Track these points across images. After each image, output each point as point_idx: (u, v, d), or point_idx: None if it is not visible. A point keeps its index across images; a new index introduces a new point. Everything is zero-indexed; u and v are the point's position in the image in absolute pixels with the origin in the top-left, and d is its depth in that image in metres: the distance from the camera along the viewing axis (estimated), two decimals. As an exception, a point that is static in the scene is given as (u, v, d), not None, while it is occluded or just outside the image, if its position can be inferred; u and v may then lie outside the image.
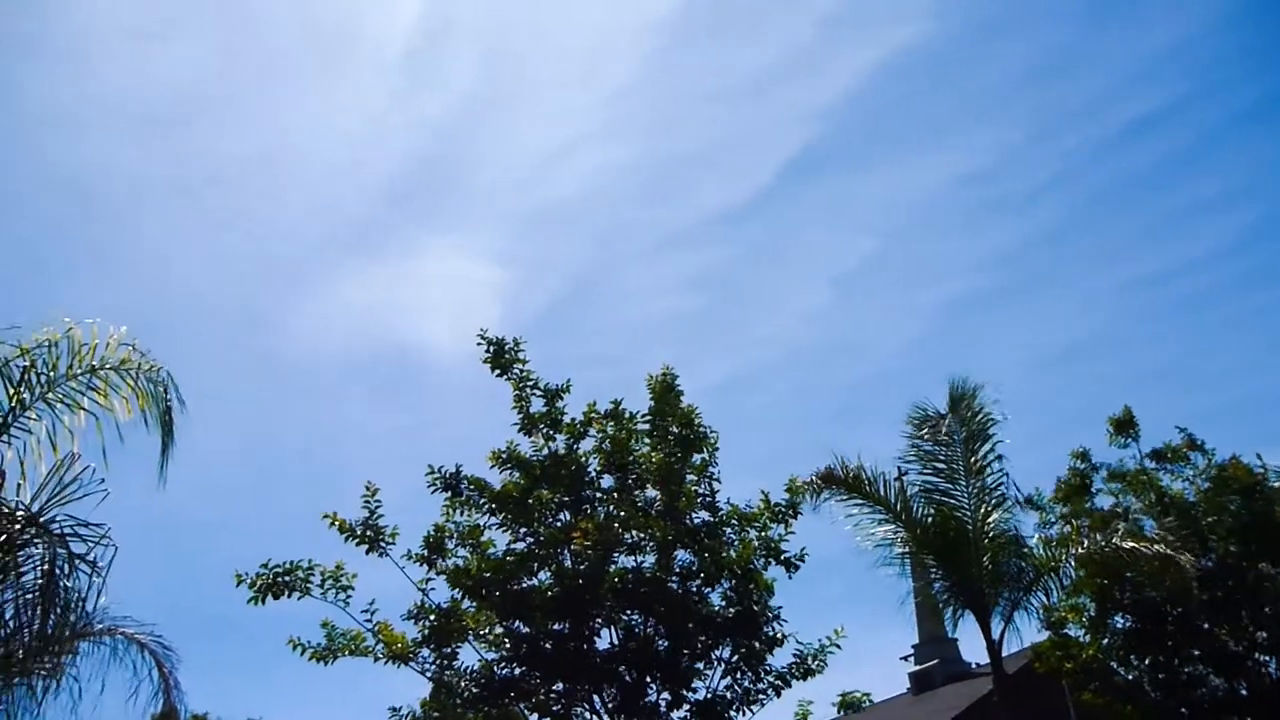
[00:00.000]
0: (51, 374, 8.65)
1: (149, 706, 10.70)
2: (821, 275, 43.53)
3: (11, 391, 8.48)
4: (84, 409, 8.72)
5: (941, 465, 14.42)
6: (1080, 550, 14.03)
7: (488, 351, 15.29)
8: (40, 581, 7.28)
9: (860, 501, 14.36)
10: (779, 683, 14.24)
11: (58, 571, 7.25)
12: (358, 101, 38.56)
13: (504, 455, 15.01)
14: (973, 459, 14.21)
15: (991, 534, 14.02)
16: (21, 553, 7.57)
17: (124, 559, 8.15)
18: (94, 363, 8.94)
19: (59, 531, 7.48)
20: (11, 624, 7.51)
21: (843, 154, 43.56)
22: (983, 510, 14.02)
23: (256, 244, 38.53)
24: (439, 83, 38.55)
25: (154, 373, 9.25)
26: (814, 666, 14.48)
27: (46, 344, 8.70)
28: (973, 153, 43.33)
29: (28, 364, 8.57)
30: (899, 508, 14.33)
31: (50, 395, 8.60)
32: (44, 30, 32.36)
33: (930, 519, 14.27)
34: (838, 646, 14.71)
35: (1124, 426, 17.22)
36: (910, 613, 22.83)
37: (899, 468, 14.83)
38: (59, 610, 7.26)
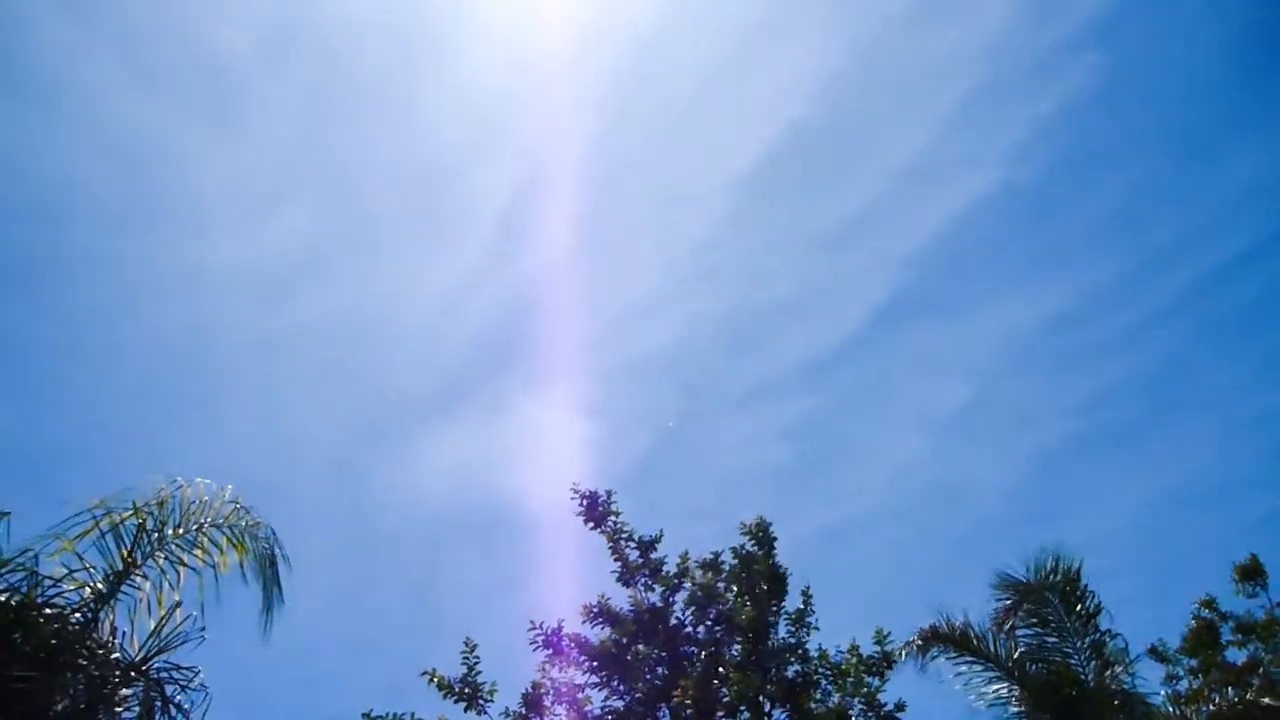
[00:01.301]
0: (160, 534, 9.15)
1: None
2: (915, 423, 42.76)
3: (124, 553, 8.98)
4: (188, 566, 9.19)
5: (1050, 623, 13.90)
6: (1213, 707, 13.19)
7: (581, 505, 15.54)
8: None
9: (970, 659, 13.83)
10: None
11: (154, 712, 7.58)
12: (452, 261, 40.74)
13: (594, 609, 15.03)
14: (1077, 608, 13.64)
15: (1111, 691, 13.29)
16: (123, 693, 7.93)
17: (227, 712, 8.45)
18: (201, 521, 9.44)
19: (155, 677, 7.85)
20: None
21: (931, 300, 43.47)
22: (1097, 665, 13.34)
23: (354, 400, 40.39)
24: (530, 241, 40.50)
25: (257, 529, 9.71)
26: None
27: (156, 504, 9.22)
28: (1063, 294, 42.75)
29: (139, 523, 9.08)
30: (1010, 665, 13.73)
31: (158, 554, 9.09)
32: (159, 203, 35.49)
33: (1047, 676, 13.61)
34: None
35: (1250, 574, 16.29)
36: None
37: (1010, 625, 14.32)
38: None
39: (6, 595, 8.38)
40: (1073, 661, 13.52)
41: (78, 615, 8.56)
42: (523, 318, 42.77)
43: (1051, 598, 13.90)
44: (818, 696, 14.20)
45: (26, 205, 32.76)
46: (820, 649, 14.72)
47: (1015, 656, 13.83)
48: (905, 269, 42.02)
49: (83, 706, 8.08)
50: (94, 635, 8.52)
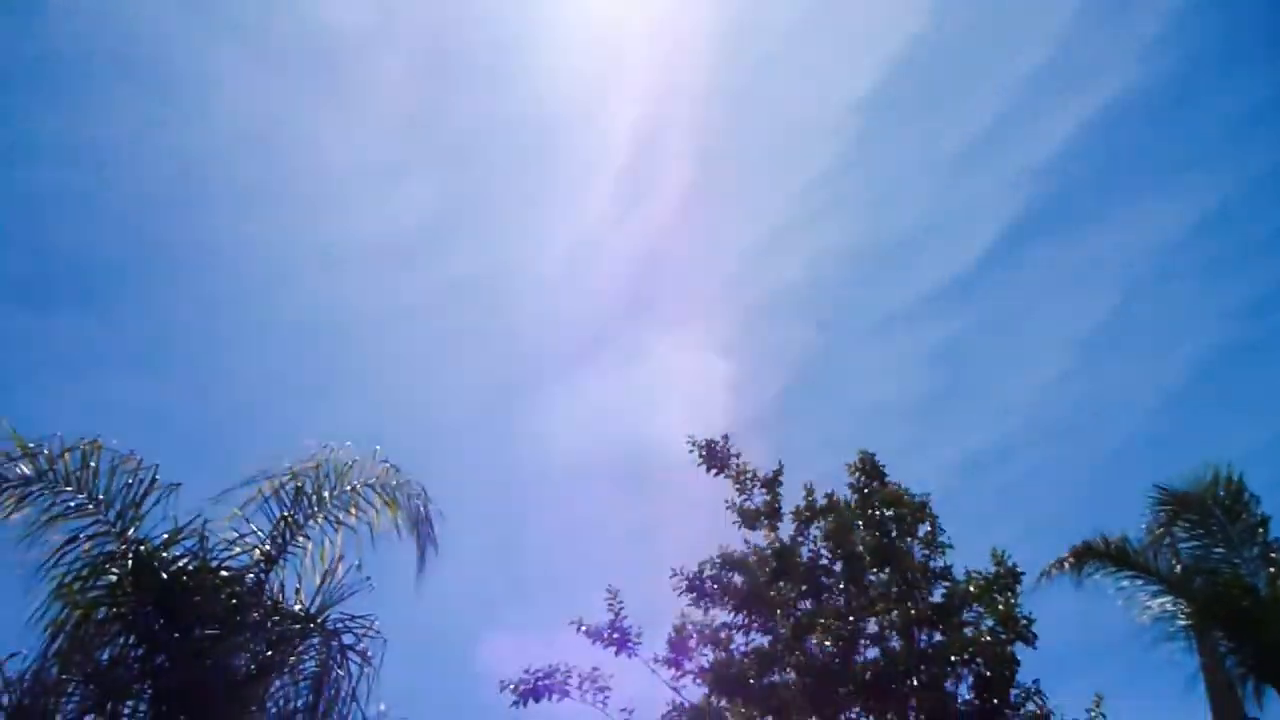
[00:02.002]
0: (318, 495, 9.43)
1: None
2: (1060, 339, 40.97)
3: (287, 515, 9.28)
4: (344, 524, 9.47)
5: (1214, 533, 13.32)
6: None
7: (700, 454, 15.53)
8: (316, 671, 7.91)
9: (1130, 574, 13.39)
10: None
11: (331, 662, 7.88)
12: (576, 216, 40.98)
13: (718, 560, 15.02)
14: (1241, 517, 13.05)
15: (1285, 598, 12.68)
16: (301, 646, 8.26)
17: (388, 665, 8.75)
18: (354, 483, 9.68)
19: (332, 628, 8.16)
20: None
21: (1069, 210, 41.39)
22: (1268, 573, 12.74)
23: (490, 358, 41.23)
24: (652, 188, 40.39)
25: (408, 487, 9.91)
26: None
27: (312, 468, 9.49)
28: (1210, 195, 40.17)
29: (298, 487, 9.37)
30: (1173, 577, 13.23)
31: (318, 515, 9.37)
32: (287, 184, 36.80)
33: (1214, 587, 13.08)
34: (1103, 715, 13.80)
35: None
36: (1201, 694, 20.64)
37: (1169, 537, 13.81)
38: (330, 698, 7.87)
39: (185, 561, 8.78)
40: (1242, 571, 12.95)
41: (250, 576, 8.91)
42: (652, 263, 42.86)
43: (1213, 509, 13.34)
44: (970, 617, 13.97)
45: (162, 195, 34.46)
46: (968, 572, 14.48)
47: (1178, 569, 13.34)
48: (1039, 182, 40.29)
49: (264, 659, 8.46)
50: (268, 593, 8.88)
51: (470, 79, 38.77)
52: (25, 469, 8.66)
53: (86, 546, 8.77)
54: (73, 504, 8.75)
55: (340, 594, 8.80)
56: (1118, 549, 13.29)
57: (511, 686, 14.19)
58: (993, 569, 14.20)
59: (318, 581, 8.96)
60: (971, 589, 14.10)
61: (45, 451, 8.72)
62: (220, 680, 8.61)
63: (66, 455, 8.71)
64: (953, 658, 13.49)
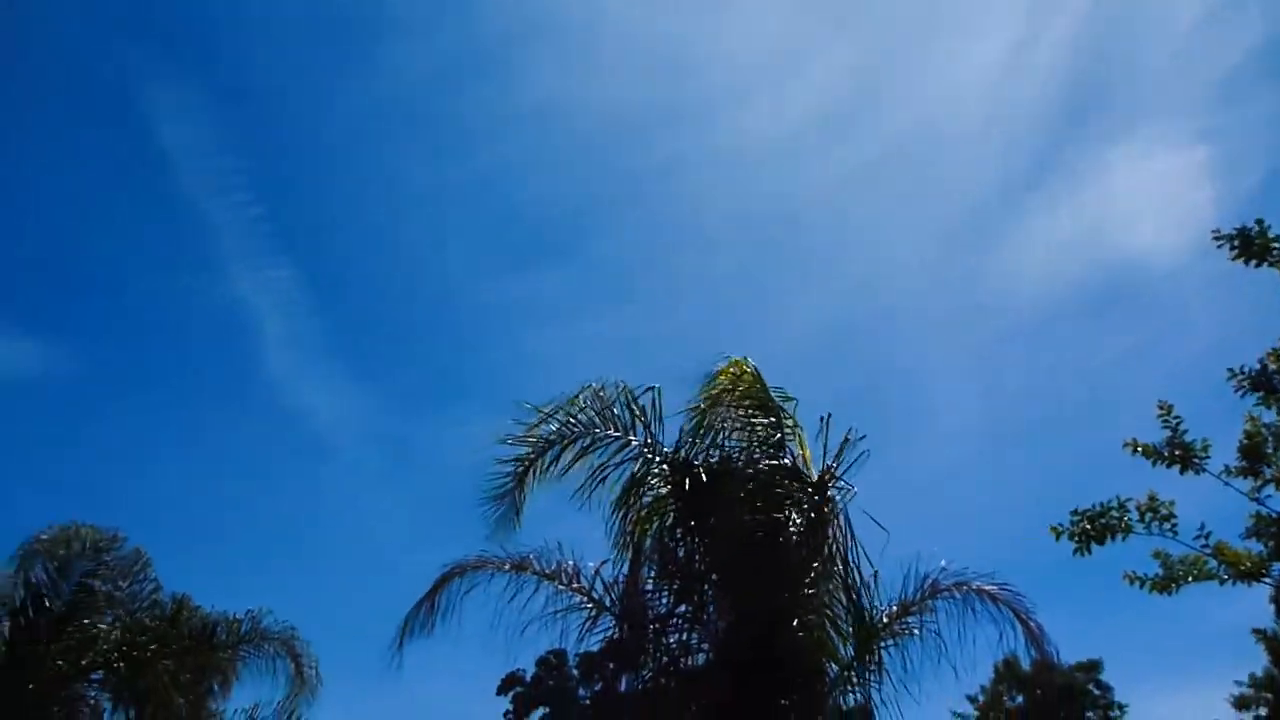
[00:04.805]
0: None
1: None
2: None
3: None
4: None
5: None
6: None
7: (1232, 248, 13.74)
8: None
9: None
10: None
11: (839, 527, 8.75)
12: (988, 48, 38.56)
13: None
14: None
15: None
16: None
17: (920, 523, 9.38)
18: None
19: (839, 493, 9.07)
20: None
21: None
22: None
23: (937, 210, 40.55)
24: (1059, 3, 36.61)
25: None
26: None
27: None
28: None
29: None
30: None
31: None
32: (703, 92, 39.59)
33: None
34: None
35: None
36: None
37: None
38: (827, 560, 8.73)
39: (710, 458, 10.08)
40: None
41: (764, 463, 10.03)
42: (1083, 71, 38.96)
43: None
44: None
45: (591, 144, 38.36)
46: None
47: None
48: None
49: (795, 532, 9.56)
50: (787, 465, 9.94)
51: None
52: (552, 426, 10.32)
53: (633, 470, 10.30)
54: (603, 437, 10.30)
55: (843, 461, 9.66)
56: None
57: (1067, 533, 13.76)
58: None
59: (803, 451, 9.96)
60: None
61: (562, 407, 10.28)
62: (769, 554, 9.82)
63: (579, 400, 10.28)
64: None
